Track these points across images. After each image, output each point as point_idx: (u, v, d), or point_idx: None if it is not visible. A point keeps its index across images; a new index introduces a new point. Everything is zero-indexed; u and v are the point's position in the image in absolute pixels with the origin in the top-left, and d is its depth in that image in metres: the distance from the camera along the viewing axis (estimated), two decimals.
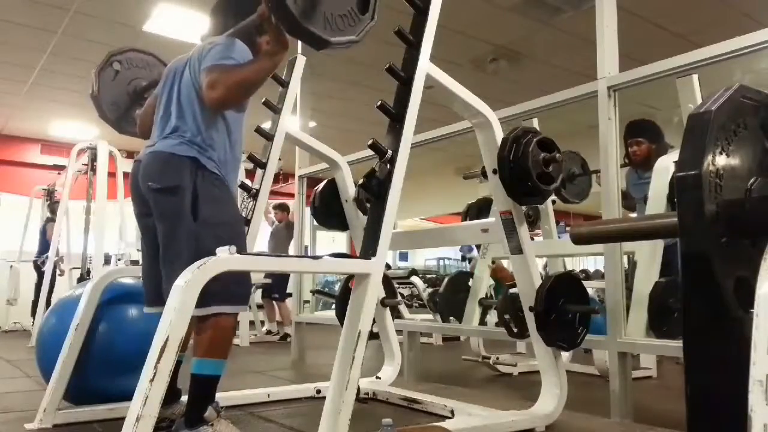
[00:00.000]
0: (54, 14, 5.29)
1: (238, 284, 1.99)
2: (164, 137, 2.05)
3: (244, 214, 2.70)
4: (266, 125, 2.80)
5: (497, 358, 3.98)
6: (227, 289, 1.87)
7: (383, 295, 3.03)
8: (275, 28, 1.90)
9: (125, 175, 6.30)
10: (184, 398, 2.21)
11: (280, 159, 2.81)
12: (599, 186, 2.62)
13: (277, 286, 6.29)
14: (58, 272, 6.56)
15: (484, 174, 2.55)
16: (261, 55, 2.02)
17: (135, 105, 2.59)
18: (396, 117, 1.85)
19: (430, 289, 5.60)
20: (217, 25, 2.22)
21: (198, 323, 1.92)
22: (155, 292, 2.05)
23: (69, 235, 6.68)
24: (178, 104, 2.07)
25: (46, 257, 6.22)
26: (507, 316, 2.64)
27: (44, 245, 6.67)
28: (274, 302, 6.55)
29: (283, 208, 6.84)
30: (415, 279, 6.69)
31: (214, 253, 1.52)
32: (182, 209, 1.95)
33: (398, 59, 1.94)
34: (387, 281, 3.11)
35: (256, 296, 6.41)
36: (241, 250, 2.04)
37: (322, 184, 3.19)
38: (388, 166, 1.79)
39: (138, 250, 6.13)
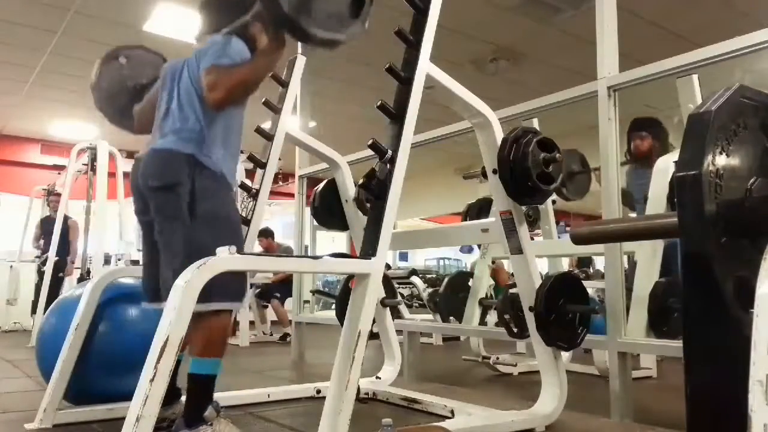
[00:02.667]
0: (54, 14, 5.29)
1: (234, 281, 1.98)
2: (164, 135, 2.07)
3: (243, 214, 2.69)
4: (266, 125, 2.80)
5: (497, 358, 3.98)
6: (224, 285, 1.87)
7: (383, 295, 3.03)
8: (272, 26, 1.91)
9: (125, 175, 6.29)
10: (184, 398, 2.22)
11: (280, 159, 2.81)
12: (599, 185, 2.63)
13: (279, 288, 6.28)
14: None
15: (484, 174, 2.54)
16: (259, 54, 2.04)
17: (133, 101, 2.54)
18: (396, 117, 1.85)
19: (430, 289, 5.60)
20: (209, 23, 2.21)
21: (193, 322, 1.91)
22: (155, 289, 2.07)
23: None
24: (179, 103, 2.09)
25: (47, 257, 6.22)
26: (507, 316, 2.64)
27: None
28: (269, 304, 6.50)
29: (267, 234, 6.54)
30: (415, 279, 6.69)
31: (211, 249, 1.53)
32: (180, 207, 1.97)
33: (398, 59, 1.94)
34: (387, 281, 3.11)
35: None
36: (239, 248, 2.04)
37: (322, 184, 3.19)
38: (388, 166, 1.79)
39: (138, 249, 6.14)
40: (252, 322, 6.45)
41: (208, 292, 1.73)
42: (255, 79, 2.00)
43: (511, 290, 2.63)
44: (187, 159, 2.00)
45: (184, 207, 1.97)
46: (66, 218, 6.29)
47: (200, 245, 1.77)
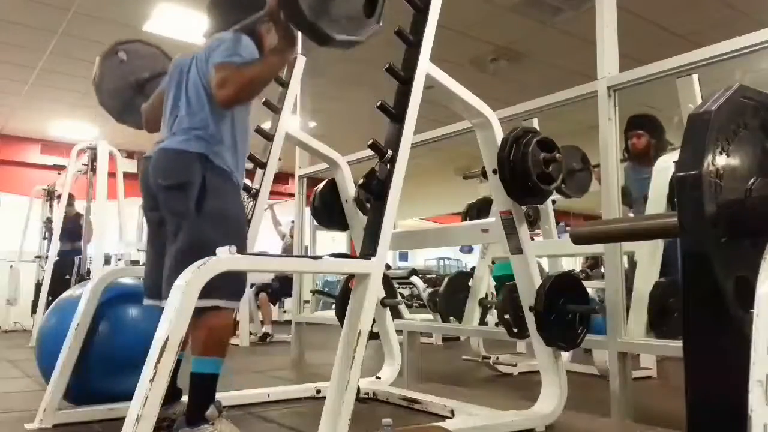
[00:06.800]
0: (54, 14, 5.29)
1: (235, 281, 2.00)
2: (173, 133, 2.08)
3: None
4: (266, 125, 2.80)
5: (497, 358, 3.98)
6: (225, 284, 1.88)
7: (383, 295, 3.03)
8: (284, 25, 1.94)
9: (125, 175, 6.31)
10: (185, 398, 2.22)
11: (280, 159, 2.81)
12: (599, 184, 2.64)
13: (281, 287, 6.28)
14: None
15: (484, 174, 2.55)
16: (269, 53, 2.06)
17: (136, 96, 2.57)
18: (396, 117, 1.85)
19: (430, 289, 5.60)
20: (218, 21, 2.22)
21: (194, 321, 1.91)
22: (156, 286, 2.08)
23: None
24: (187, 100, 2.10)
25: (47, 257, 6.22)
26: (507, 316, 2.64)
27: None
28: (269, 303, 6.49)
29: None
30: (415, 279, 6.69)
31: (216, 246, 1.52)
32: (190, 206, 1.99)
33: (398, 59, 1.94)
34: (387, 281, 3.11)
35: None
36: (242, 247, 2.06)
37: (322, 184, 3.19)
38: (388, 166, 1.79)
39: (138, 250, 6.14)
40: (252, 322, 6.46)
41: (208, 289, 1.76)
42: (265, 77, 2.02)
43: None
44: (198, 158, 2.02)
45: (192, 205, 1.99)
46: (78, 215, 6.31)
47: (206, 242, 1.78)
